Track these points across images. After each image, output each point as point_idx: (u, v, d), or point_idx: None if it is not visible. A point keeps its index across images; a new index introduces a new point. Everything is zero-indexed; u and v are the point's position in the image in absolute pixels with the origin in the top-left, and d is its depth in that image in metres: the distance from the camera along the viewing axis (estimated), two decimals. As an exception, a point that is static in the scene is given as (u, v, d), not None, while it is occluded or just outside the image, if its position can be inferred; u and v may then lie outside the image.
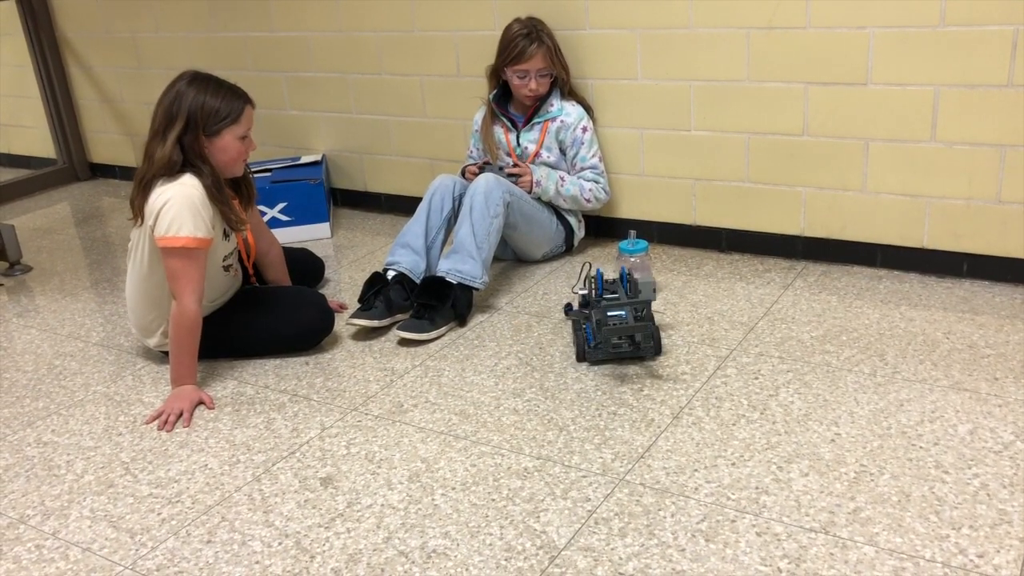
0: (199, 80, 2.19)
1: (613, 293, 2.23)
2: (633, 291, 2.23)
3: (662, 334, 2.33)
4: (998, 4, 2.25)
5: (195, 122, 2.15)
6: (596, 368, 2.20)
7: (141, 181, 2.17)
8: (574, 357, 2.26)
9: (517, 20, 2.78)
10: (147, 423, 2.12)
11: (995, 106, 2.34)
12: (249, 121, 2.24)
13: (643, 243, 2.47)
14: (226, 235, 2.29)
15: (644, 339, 2.19)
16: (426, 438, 1.97)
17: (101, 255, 3.36)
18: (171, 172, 2.14)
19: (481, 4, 3.00)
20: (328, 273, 2.96)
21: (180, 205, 2.10)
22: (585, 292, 2.30)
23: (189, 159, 2.16)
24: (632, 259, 2.46)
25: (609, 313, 2.17)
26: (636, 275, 2.30)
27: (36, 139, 4.53)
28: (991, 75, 2.32)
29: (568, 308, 2.41)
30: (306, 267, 2.80)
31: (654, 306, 2.39)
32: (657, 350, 2.24)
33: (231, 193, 2.29)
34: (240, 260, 2.45)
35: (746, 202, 2.78)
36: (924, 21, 2.35)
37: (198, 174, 2.15)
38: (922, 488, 1.66)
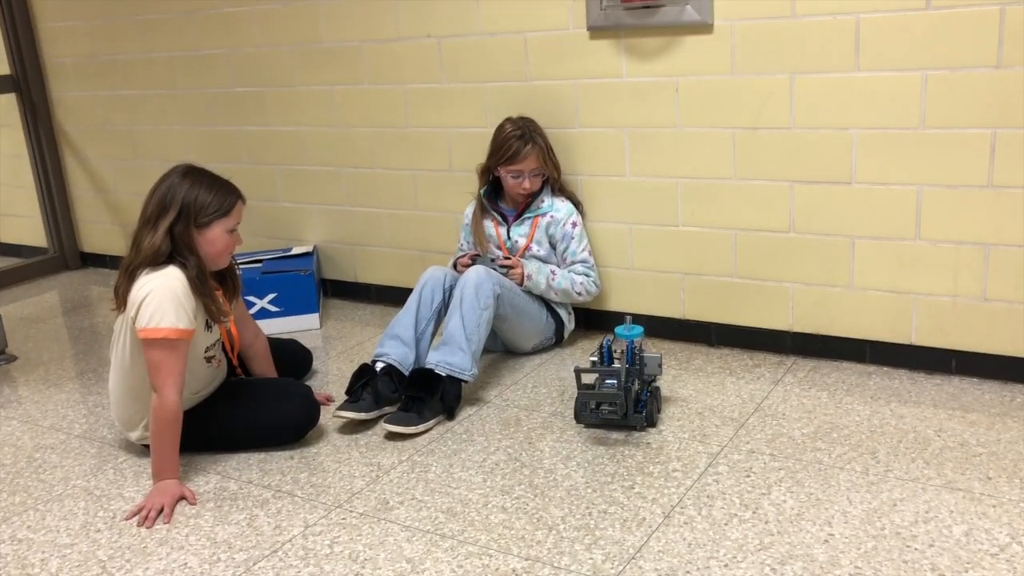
0: (193, 173, 2.22)
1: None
2: (639, 365, 2.28)
3: (660, 415, 2.37)
4: (976, 108, 2.32)
5: (187, 213, 2.17)
6: (586, 463, 2.17)
7: (127, 269, 2.18)
8: (565, 452, 2.24)
9: (509, 120, 2.84)
10: (127, 519, 2.07)
11: (977, 206, 2.38)
12: (239, 216, 2.27)
13: (638, 328, 2.48)
14: (208, 327, 2.28)
15: (620, 407, 2.26)
16: (412, 537, 1.92)
17: (87, 345, 3.33)
18: (157, 262, 2.15)
19: (474, 102, 3.07)
20: (316, 364, 2.94)
21: (162, 296, 2.10)
22: (596, 359, 2.34)
23: (177, 249, 2.17)
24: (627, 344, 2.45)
25: (606, 380, 2.27)
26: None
27: (28, 228, 4.55)
28: (971, 176, 2.37)
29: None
30: (294, 358, 2.78)
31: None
32: (649, 422, 2.33)
33: (215, 285, 2.30)
34: (224, 351, 2.43)
35: (735, 297, 2.80)
36: (905, 123, 2.41)
37: (183, 266, 2.16)
38: (919, 592, 1.63)
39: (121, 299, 2.19)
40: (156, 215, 2.18)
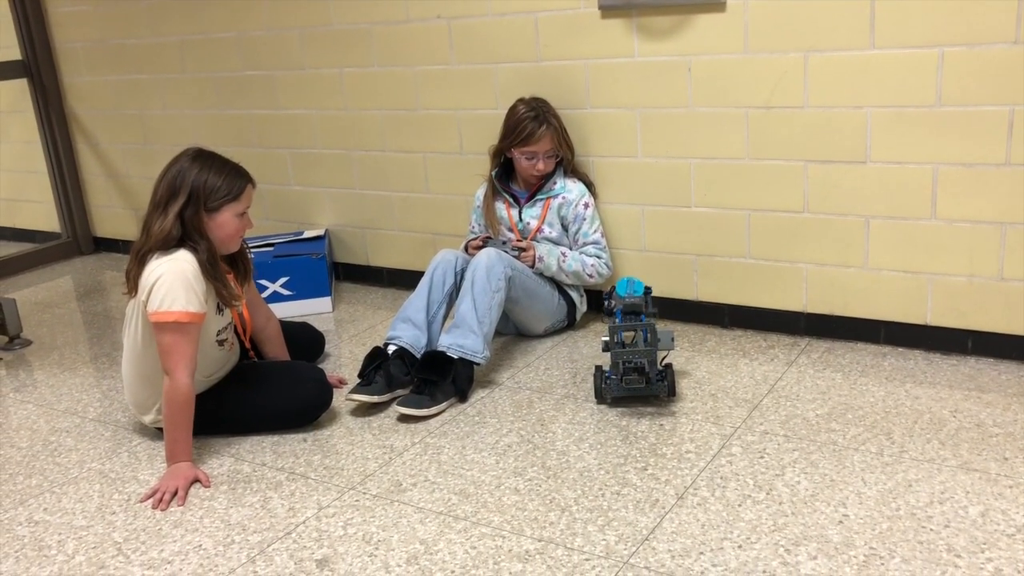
0: (202, 157, 2.22)
1: (633, 314, 2.32)
2: (651, 339, 2.28)
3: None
4: (993, 85, 2.29)
5: (197, 197, 2.17)
6: (599, 445, 2.17)
7: (138, 254, 2.18)
8: (577, 434, 2.24)
9: (522, 101, 2.82)
10: (141, 502, 2.09)
11: (994, 184, 2.36)
12: (249, 199, 2.27)
13: (640, 285, 2.44)
14: (219, 310, 2.28)
15: (650, 367, 2.26)
16: (425, 519, 1.93)
17: (101, 329, 3.35)
18: (168, 246, 2.15)
19: (484, 83, 3.05)
20: (328, 347, 2.94)
21: (173, 280, 2.10)
22: (608, 338, 2.33)
23: (188, 234, 2.17)
24: (631, 300, 2.39)
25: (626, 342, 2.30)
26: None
27: (41, 213, 4.57)
28: (989, 154, 2.34)
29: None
30: (306, 341, 2.78)
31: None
32: (671, 391, 2.33)
33: (226, 268, 2.30)
34: (237, 334, 2.44)
35: (748, 278, 2.78)
36: (920, 101, 2.38)
37: (194, 250, 2.16)
38: (934, 573, 1.62)
39: (132, 283, 2.19)
40: (166, 200, 2.17)
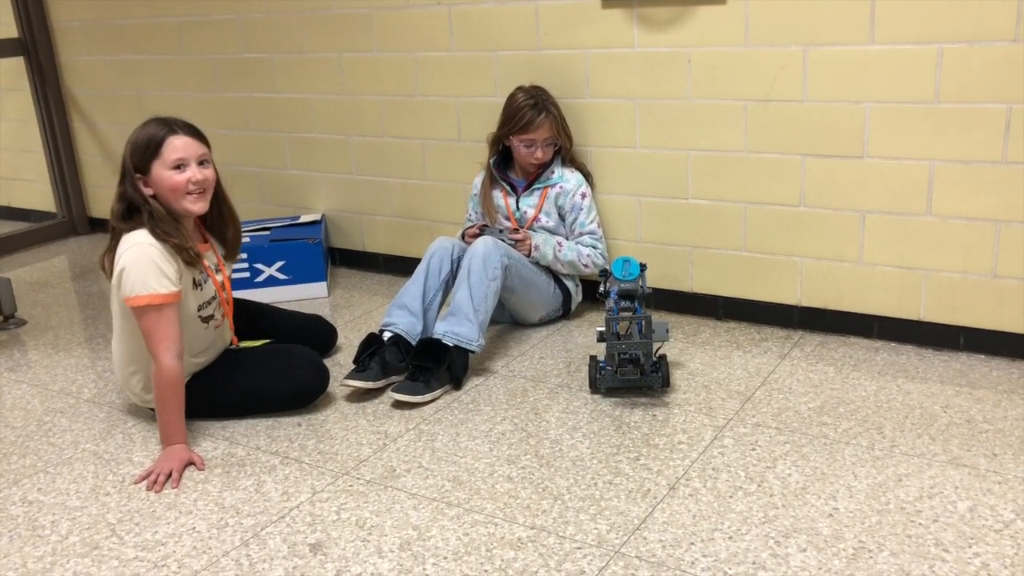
0: (139, 126, 2.21)
1: (628, 299, 2.35)
2: (646, 331, 2.29)
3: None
4: (991, 83, 2.29)
5: (129, 167, 2.18)
6: (592, 434, 2.18)
7: (109, 242, 2.21)
8: (571, 423, 2.25)
9: (521, 89, 2.82)
10: (136, 483, 2.09)
11: (990, 182, 2.37)
12: (176, 151, 2.16)
13: (635, 266, 2.41)
14: (196, 284, 2.26)
15: (645, 358, 2.28)
16: (418, 505, 1.94)
17: (96, 310, 3.35)
18: (123, 221, 2.17)
19: (483, 71, 3.05)
20: (324, 333, 2.94)
21: (140, 264, 2.10)
22: (603, 329, 2.33)
23: (134, 204, 2.17)
24: (625, 286, 2.39)
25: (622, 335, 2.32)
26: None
27: (37, 193, 4.55)
28: (985, 151, 2.35)
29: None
30: (319, 334, 2.74)
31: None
32: (665, 382, 2.35)
33: (201, 237, 2.30)
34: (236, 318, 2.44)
35: (743, 271, 2.79)
36: (919, 97, 2.38)
37: (143, 221, 2.15)
38: (922, 567, 1.63)
39: (108, 272, 2.20)
40: (118, 183, 2.20)
